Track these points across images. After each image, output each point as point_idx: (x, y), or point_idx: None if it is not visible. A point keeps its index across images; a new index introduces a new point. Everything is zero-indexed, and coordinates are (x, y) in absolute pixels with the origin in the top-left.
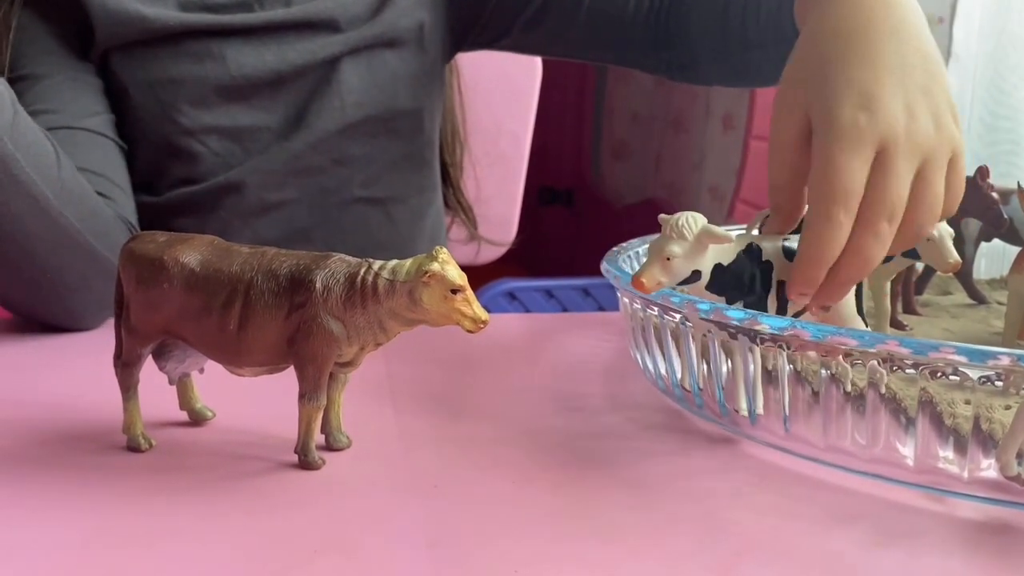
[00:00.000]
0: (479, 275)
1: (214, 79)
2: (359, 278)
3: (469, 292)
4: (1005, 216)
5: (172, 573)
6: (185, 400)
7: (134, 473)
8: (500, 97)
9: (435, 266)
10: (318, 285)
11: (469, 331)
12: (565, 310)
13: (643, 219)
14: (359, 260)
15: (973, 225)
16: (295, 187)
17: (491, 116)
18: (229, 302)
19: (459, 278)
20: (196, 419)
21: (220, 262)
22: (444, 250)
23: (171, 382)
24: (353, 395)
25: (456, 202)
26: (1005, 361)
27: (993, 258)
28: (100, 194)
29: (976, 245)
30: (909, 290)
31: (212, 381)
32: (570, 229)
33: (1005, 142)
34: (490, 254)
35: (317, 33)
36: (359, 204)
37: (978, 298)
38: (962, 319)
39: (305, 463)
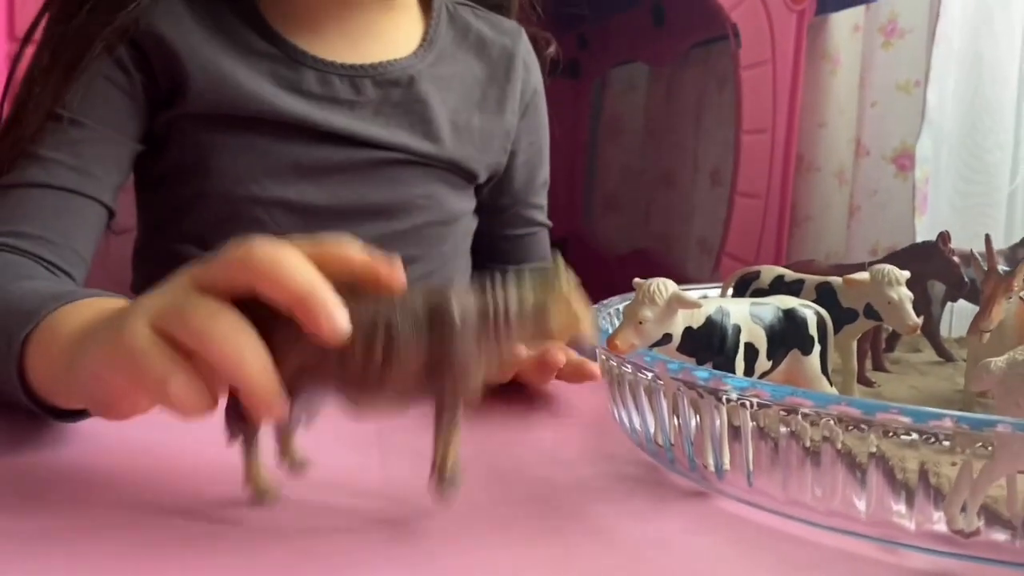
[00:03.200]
0: None
1: (295, 157)
2: (490, 306)
3: (586, 309)
4: (966, 279)
5: None
6: (288, 450)
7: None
8: None
9: (563, 285)
10: (456, 315)
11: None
12: None
13: (634, 269)
14: (482, 292)
15: (939, 286)
16: None
17: None
18: (371, 337)
19: (580, 295)
20: (298, 468)
21: (355, 302)
22: (561, 266)
23: (286, 430)
24: (342, 445)
25: None
26: (947, 423)
27: (963, 317)
28: (60, 269)
29: (942, 305)
30: (878, 348)
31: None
32: None
33: (977, 204)
34: None
35: (391, 151)
36: None
37: (946, 356)
38: (930, 376)
39: (442, 490)
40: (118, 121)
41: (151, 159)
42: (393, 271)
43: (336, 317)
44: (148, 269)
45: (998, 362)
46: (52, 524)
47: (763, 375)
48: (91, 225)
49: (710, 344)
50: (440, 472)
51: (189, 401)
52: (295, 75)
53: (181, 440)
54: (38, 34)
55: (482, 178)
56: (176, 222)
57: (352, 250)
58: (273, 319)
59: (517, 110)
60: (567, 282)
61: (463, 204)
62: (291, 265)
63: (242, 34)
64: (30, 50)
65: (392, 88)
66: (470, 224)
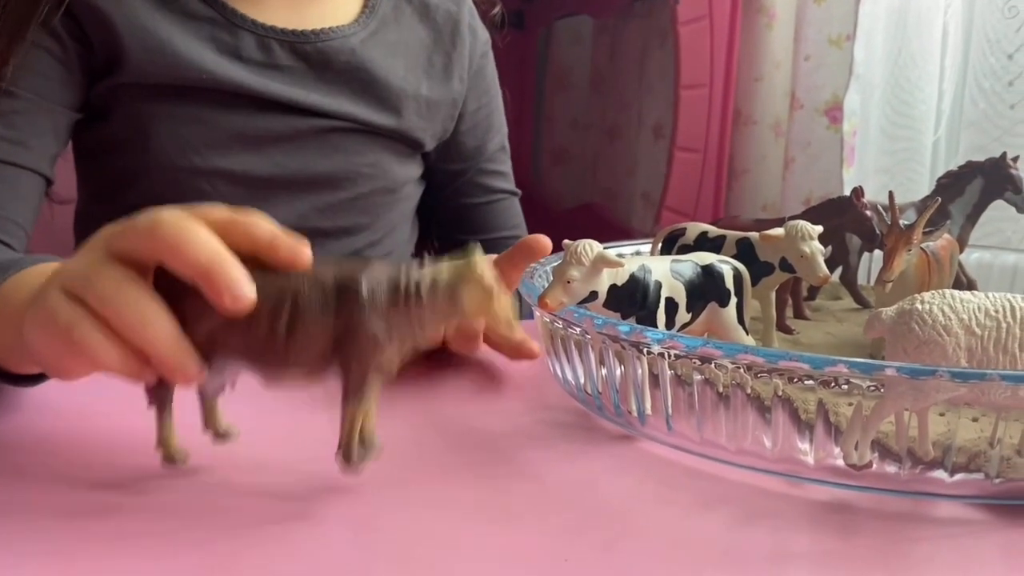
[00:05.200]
0: None
1: (236, 127)
2: (402, 283)
3: (501, 292)
4: (878, 231)
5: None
6: (212, 418)
7: (122, 521)
8: None
9: (477, 269)
10: (364, 290)
11: (504, 334)
12: None
13: (582, 223)
14: (397, 265)
15: (856, 238)
16: None
17: None
18: (277, 309)
19: (494, 278)
20: (222, 437)
21: (263, 270)
22: (479, 250)
23: (206, 398)
24: (294, 402)
25: None
26: (842, 368)
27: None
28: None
29: (859, 256)
30: (798, 297)
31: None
32: None
33: (904, 152)
34: None
35: (336, 119)
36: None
37: (863, 303)
38: (846, 323)
39: (347, 465)
40: (52, 91)
41: (91, 128)
42: (296, 251)
43: (239, 290)
44: (90, 237)
45: (888, 311)
46: None
47: (683, 327)
48: (28, 195)
49: (633, 300)
50: (344, 449)
51: (95, 347)
52: (234, 40)
53: (112, 408)
54: None
55: (428, 146)
56: (117, 193)
57: (259, 226)
58: (183, 288)
59: (465, 77)
60: (482, 265)
61: (408, 172)
62: (195, 237)
63: None
64: None
65: (334, 55)
66: (414, 192)
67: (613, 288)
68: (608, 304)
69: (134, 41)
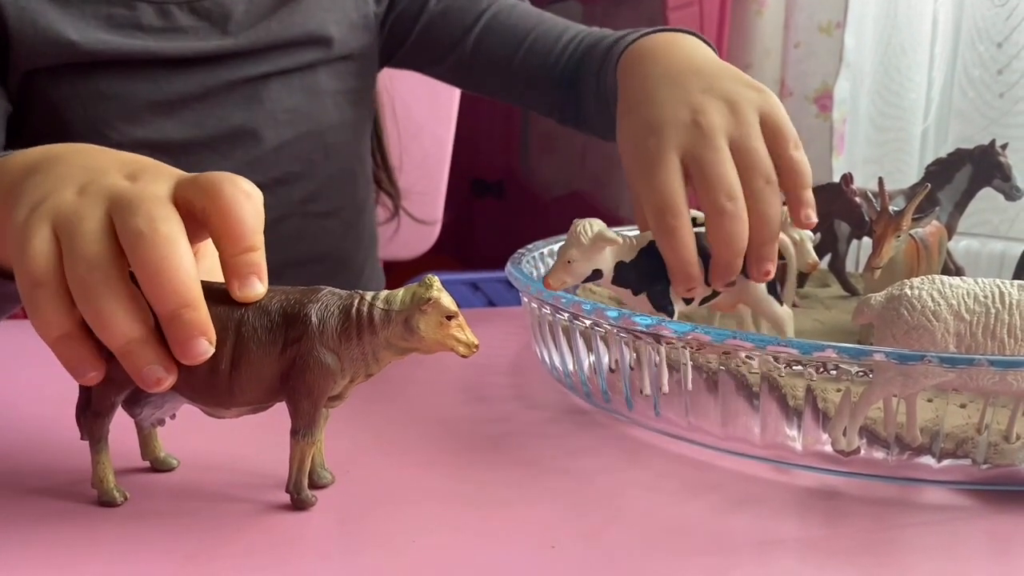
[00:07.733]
0: (411, 268)
1: (145, 95)
2: (353, 310)
3: (461, 318)
4: (867, 218)
5: None
6: (149, 449)
7: (107, 523)
8: (423, 93)
9: (433, 294)
10: (313, 319)
11: (463, 356)
12: (491, 303)
13: (570, 211)
14: (349, 292)
15: (845, 225)
16: None
17: (415, 113)
18: (220, 341)
19: (453, 305)
20: (160, 468)
21: (207, 301)
22: (436, 278)
23: (142, 430)
24: None
25: (386, 178)
26: (831, 354)
27: (869, 253)
28: None
29: (848, 243)
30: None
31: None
32: (502, 220)
33: (894, 141)
34: (422, 245)
35: (248, 59)
36: (296, 218)
37: (851, 290)
38: (834, 310)
39: (298, 501)
40: None
41: (13, 130)
42: (243, 293)
43: (153, 376)
44: None
45: (877, 297)
46: None
47: (705, 301)
48: None
49: (644, 275)
50: (294, 487)
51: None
52: (132, 12)
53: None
54: None
55: (335, 34)
56: None
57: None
58: None
59: None
60: (439, 291)
61: (327, 112)
62: (113, 315)
63: None
64: None
65: (233, 6)
66: (349, 140)
67: (620, 265)
68: (617, 281)
69: (27, 28)
